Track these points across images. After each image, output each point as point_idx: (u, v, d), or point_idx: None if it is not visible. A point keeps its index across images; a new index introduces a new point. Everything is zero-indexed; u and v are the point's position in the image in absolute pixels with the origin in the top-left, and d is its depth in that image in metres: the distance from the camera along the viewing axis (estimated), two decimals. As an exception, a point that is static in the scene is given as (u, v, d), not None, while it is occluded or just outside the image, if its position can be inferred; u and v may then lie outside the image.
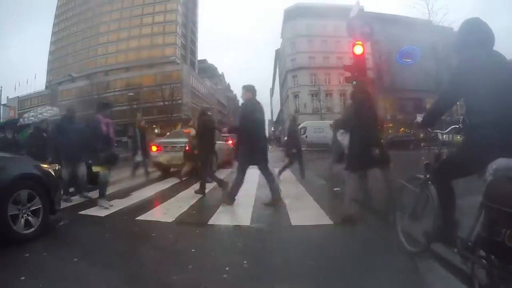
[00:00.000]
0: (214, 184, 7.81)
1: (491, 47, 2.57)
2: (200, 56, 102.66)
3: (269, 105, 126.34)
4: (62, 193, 5.93)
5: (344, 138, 6.02)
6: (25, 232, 4.00)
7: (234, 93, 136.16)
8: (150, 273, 3.01)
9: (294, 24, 60.52)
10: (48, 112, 9.60)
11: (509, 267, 1.84)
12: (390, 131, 37.56)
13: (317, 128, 31.47)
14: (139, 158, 10.12)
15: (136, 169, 10.33)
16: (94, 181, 6.65)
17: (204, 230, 4.55)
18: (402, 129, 42.06)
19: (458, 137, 3.14)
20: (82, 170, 6.99)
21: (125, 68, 76.56)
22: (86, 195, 6.90)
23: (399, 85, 45.65)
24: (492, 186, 2.03)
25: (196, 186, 7.54)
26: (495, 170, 2.08)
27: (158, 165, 11.71)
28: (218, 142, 12.53)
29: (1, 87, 39.44)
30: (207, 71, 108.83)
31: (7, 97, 58.54)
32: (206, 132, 7.46)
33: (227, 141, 16.31)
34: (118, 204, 6.19)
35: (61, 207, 5.03)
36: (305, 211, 5.45)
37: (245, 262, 3.20)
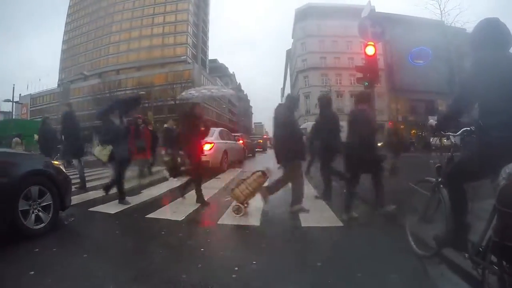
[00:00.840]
0: (224, 184, 7.81)
1: (508, 48, 2.52)
2: (211, 55, 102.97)
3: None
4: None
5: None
6: (35, 227, 4.03)
7: (245, 93, 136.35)
8: (159, 271, 3.00)
9: (305, 24, 60.35)
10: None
11: None
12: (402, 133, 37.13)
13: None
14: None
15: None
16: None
17: (214, 230, 4.54)
18: (413, 130, 41.69)
19: (445, 141, 3.11)
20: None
21: (136, 67, 77.01)
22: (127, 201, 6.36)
23: (411, 86, 45.34)
24: (505, 190, 1.98)
25: (208, 184, 7.52)
26: (508, 174, 2.03)
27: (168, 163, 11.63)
28: (229, 141, 13.25)
29: (14, 85, 39.82)
30: (218, 70, 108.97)
31: (20, 94, 59.26)
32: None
33: (238, 141, 16.39)
34: (128, 202, 6.20)
35: (72, 204, 5.06)
36: (315, 212, 5.41)
37: (254, 262, 3.18)
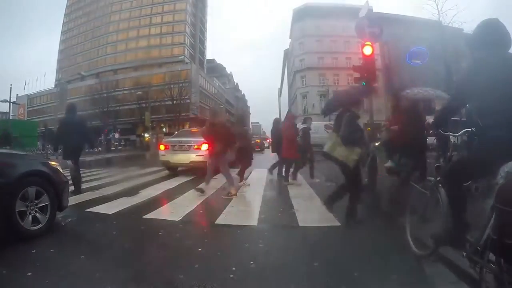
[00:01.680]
0: (222, 184, 7.82)
1: (507, 49, 2.53)
2: (208, 55, 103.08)
3: (277, 105, 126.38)
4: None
5: None
6: (32, 228, 4.01)
7: (242, 93, 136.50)
8: (156, 271, 3.01)
9: (302, 24, 60.45)
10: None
11: None
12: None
13: (311, 129, 31.63)
14: None
15: None
16: None
17: (211, 230, 4.55)
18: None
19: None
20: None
21: (134, 67, 76.96)
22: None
23: (409, 86, 45.42)
24: (503, 188, 2.00)
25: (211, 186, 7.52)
26: (507, 173, 2.05)
27: (165, 164, 11.78)
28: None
29: (11, 85, 39.69)
30: (216, 70, 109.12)
31: (17, 94, 59.13)
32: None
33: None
34: (126, 202, 6.21)
35: (70, 204, 5.05)
36: (312, 212, 5.42)
37: (251, 262, 3.18)
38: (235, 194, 6.75)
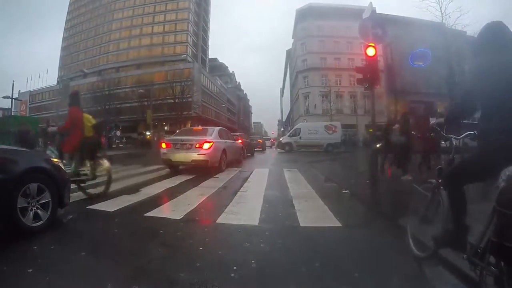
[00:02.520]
0: (222, 184, 7.82)
1: (510, 52, 2.52)
2: (211, 54, 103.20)
3: (279, 105, 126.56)
4: None
5: None
6: (33, 224, 4.02)
7: (244, 92, 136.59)
8: (157, 270, 3.01)
9: (305, 24, 60.40)
10: None
11: None
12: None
13: (311, 130, 34.10)
14: None
15: None
16: None
17: (212, 229, 4.54)
18: (413, 132, 41.67)
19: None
20: None
21: (136, 65, 77.03)
22: None
23: (411, 88, 45.36)
24: (505, 191, 2.01)
25: (207, 183, 7.53)
26: (508, 177, 2.05)
27: (167, 162, 11.79)
28: (228, 141, 13.51)
29: (13, 81, 39.72)
30: (218, 69, 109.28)
31: (19, 91, 59.09)
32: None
33: (237, 140, 17.09)
34: (127, 200, 6.21)
35: (71, 201, 5.06)
36: (313, 212, 5.42)
37: (253, 261, 3.19)
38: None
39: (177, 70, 66.41)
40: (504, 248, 1.87)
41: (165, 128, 64.71)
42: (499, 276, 1.96)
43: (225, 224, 4.71)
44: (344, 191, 7.21)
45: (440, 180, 3.00)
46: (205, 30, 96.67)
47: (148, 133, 53.76)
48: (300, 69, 62.02)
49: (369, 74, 7.40)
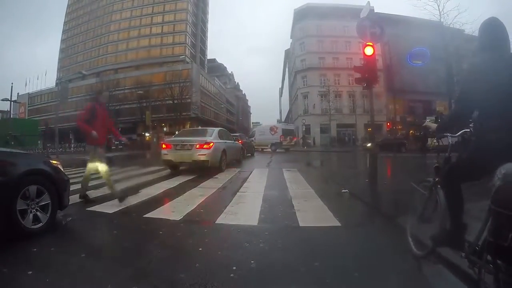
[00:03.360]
0: (222, 184, 7.82)
1: (507, 49, 2.52)
2: (209, 55, 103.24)
3: (278, 105, 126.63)
4: None
5: None
6: (33, 227, 4.03)
7: (243, 93, 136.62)
8: (157, 271, 3.01)
9: (304, 24, 60.49)
10: None
11: None
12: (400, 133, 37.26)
13: (261, 132, 39.02)
14: None
15: None
16: None
17: (212, 229, 4.54)
18: (411, 131, 41.73)
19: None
20: None
21: (134, 66, 77.02)
22: None
23: (409, 87, 45.41)
24: (500, 191, 2.00)
25: (206, 184, 7.53)
26: (504, 175, 2.04)
27: (167, 163, 12.05)
28: (228, 141, 13.89)
29: (12, 84, 39.67)
30: (217, 70, 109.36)
31: (18, 93, 59.25)
32: None
33: (237, 140, 17.80)
34: (126, 201, 6.21)
35: (70, 203, 5.06)
36: (313, 212, 5.42)
37: (252, 262, 3.19)
38: None
39: (176, 71, 66.32)
40: (501, 247, 1.87)
41: (164, 129, 64.70)
42: (497, 274, 1.96)
43: (225, 224, 4.71)
44: (343, 191, 7.21)
45: (437, 179, 3.01)
46: (203, 31, 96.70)
47: (147, 134, 53.78)
48: (298, 69, 62.06)
49: (367, 73, 7.43)
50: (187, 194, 7.10)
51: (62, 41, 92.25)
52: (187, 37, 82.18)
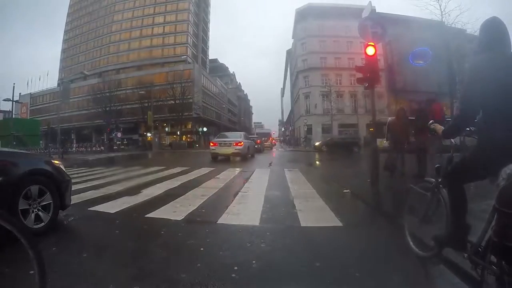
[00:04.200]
0: (223, 184, 7.83)
1: (508, 49, 2.51)
2: (211, 55, 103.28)
3: (280, 105, 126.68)
4: None
5: None
6: (35, 226, 4.04)
7: (245, 93, 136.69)
8: (158, 271, 3.01)
9: (305, 24, 60.42)
10: None
11: None
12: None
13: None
14: None
15: None
16: None
17: (213, 229, 4.53)
18: (413, 131, 41.67)
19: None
20: None
21: (136, 67, 77.15)
22: None
23: (411, 87, 45.37)
24: (505, 191, 1.99)
25: (208, 184, 7.53)
26: (508, 175, 2.03)
27: (214, 155, 19.18)
28: (249, 141, 21.74)
29: (14, 84, 39.74)
30: (218, 70, 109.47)
31: (20, 93, 59.28)
32: None
33: (257, 142, 28.96)
34: (128, 201, 6.22)
35: (72, 203, 5.07)
36: (314, 212, 5.42)
37: (253, 262, 3.19)
38: None
39: (177, 71, 66.56)
40: (505, 248, 1.86)
41: (166, 129, 64.79)
42: (500, 275, 1.94)
43: (226, 224, 4.72)
44: (345, 191, 7.20)
45: (439, 179, 3.00)
46: (205, 31, 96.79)
47: (149, 134, 53.89)
48: (300, 69, 62.06)
49: (369, 73, 7.42)
50: (189, 194, 7.11)
51: (64, 41, 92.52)
52: (189, 37, 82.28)
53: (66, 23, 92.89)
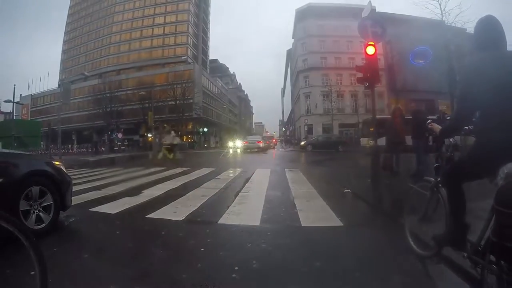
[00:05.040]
0: (224, 184, 7.84)
1: (504, 47, 2.50)
2: (211, 55, 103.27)
3: (280, 105, 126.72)
4: None
5: None
6: (36, 227, 4.05)
7: (245, 93, 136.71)
8: (159, 271, 3.02)
9: (305, 24, 60.45)
10: None
11: None
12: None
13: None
14: None
15: None
16: None
17: (214, 229, 4.54)
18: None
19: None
20: None
21: (137, 67, 77.16)
22: None
23: (411, 86, 45.35)
24: (503, 190, 1.99)
25: (208, 184, 7.53)
26: (506, 175, 2.03)
27: (245, 149, 34.17)
28: (263, 141, 38.40)
29: (15, 85, 39.73)
30: (219, 70, 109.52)
31: (20, 94, 59.30)
32: None
33: (273, 140, 49.63)
34: (129, 202, 6.23)
35: (73, 204, 5.08)
36: (315, 212, 5.41)
37: (254, 262, 3.19)
38: None
39: (178, 72, 66.46)
40: (504, 247, 1.86)
41: (166, 130, 64.68)
42: (500, 274, 1.95)
43: (227, 224, 4.72)
44: (345, 191, 7.20)
45: (438, 179, 3.00)
46: (205, 32, 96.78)
47: (149, 135, 53.86)
48: (300, 69, 62.10)
49: (369, 73, 7.41)
50: (190, 194, 7.11)
51: (64, 42, 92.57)
52: (189, 38, 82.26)
53: (66, 24, 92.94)
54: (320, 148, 32.35)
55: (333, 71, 56.26)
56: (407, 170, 9.29)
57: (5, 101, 37.17)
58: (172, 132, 20.28)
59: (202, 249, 3.63)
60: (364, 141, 30.19)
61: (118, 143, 51.35)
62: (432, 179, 3.12)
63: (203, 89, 74.30)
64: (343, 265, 3.13)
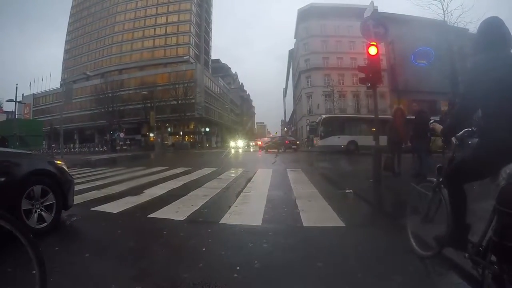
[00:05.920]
0: (226, 184, 7.84)
1: (508, 48, 2.49)
2: (213, 55, 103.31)
3: (282, 105, 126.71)
4: None
5: None
6: (38, 226, 4.06)
7: (247, 93, 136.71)
8: (160, 270, 3.02)
9: (307, 24, 60.38)
10: None
11: None
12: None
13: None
14: None
15: None
16: None
17: (215, 229, 4.54)
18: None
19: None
20: None
21: (139, 67, 77.26)
22: None
23: (413, 87, 45.24)
24: (505, 191, 1.99)
25: (210, 184, 7.53)
26: (508, 175, 2.03)
27: (267, 150, 33.09)
28: (280, 141, 37.54)
29: (17, 85, 39.83)
30: (221, 70, 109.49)
31: (22, 94, 59.48)
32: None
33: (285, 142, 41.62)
34: (130, 201, 6.24)
35: (75, 203, 5.08)
36: (317, 212, 5.41)
37: (256, 262, 3.19)
38: None
39: (180, 72, 66.51)
40: (506, 248, 1.86)
41: (169, 129, 64.80)
42: (501, 275, 1.94)
43: (229, 224, 4.72)
44: (347, 191, 7.19)
45: (440, 179, 2.99)
46: (207, 32, 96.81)
47: (151, 134, 53.91)
48: (302, 69, 62.00)
49: (371, 73, 7.41)
50: (191, 194, 7.11)
51: (67, 42, 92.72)
52: (191, 37, 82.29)
53: (68, 24, 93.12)
54: (276, 148, 36.89)
55: (335, 71, 56.24)
56: (408, 171, 9.27)
57: (7, 101, 37.32)
58: None
59: (204, 249, 3.63)
60: (316, 140, 32.67)
61: (120, 143, 51.40)
62: (434, 179, 3.11)
63: (205, 89, 74.37)
64: (345, 266, 3.13)
